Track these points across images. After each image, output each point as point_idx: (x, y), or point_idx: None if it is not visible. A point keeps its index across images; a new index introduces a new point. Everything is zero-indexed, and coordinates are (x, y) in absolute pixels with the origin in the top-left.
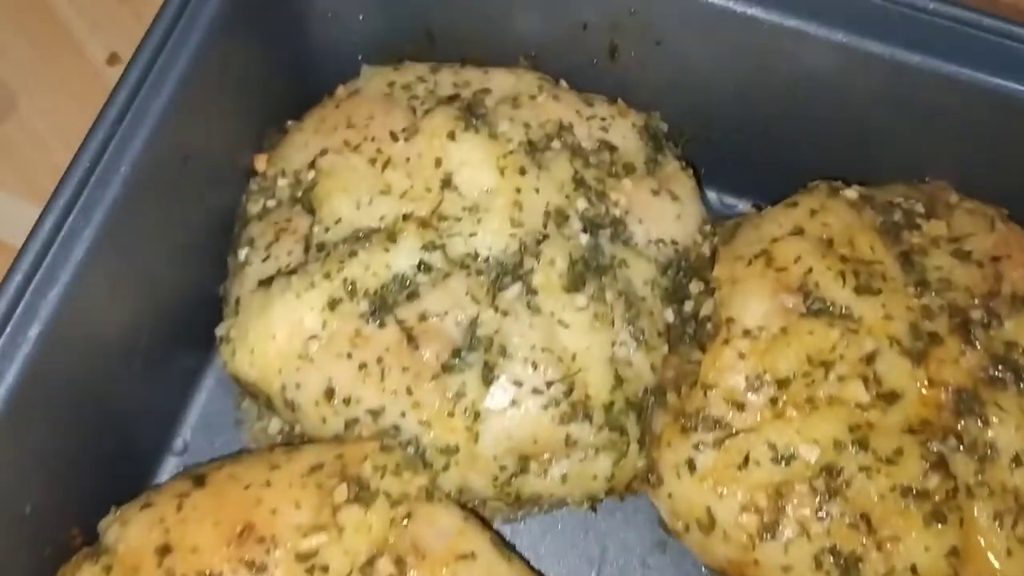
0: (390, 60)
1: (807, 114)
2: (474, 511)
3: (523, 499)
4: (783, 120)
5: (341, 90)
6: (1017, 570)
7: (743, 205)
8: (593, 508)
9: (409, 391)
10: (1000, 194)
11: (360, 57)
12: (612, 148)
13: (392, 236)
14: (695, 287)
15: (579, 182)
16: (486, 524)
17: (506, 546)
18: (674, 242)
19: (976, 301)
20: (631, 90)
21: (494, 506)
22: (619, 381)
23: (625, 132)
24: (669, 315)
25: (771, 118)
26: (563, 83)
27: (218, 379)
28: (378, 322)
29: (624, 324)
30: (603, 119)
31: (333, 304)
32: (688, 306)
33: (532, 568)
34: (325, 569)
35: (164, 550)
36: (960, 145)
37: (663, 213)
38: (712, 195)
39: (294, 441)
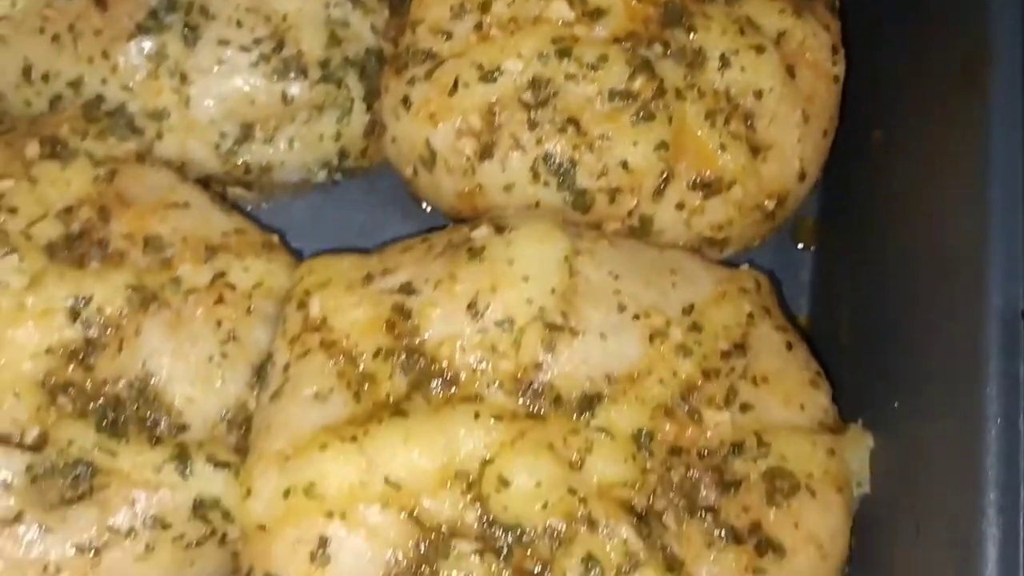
0: None
1: None
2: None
3: (253, 171)
4: None
5: None
6: (733, 162)
7: None
8: (334, 181)
9: (105, 55)
10: None
11: None
12: None
13: None
14: None
15: None
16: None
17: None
18: None
19: None
20: None
21: (235, 193)
22: (336, 40)
23: None
24: None
25: None
26: None
27: None
28: None
29: None
30: None
31: None
32: None
33: (262, 226)
34: (14, 210)
35: None
36: None
37: None
38: None
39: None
